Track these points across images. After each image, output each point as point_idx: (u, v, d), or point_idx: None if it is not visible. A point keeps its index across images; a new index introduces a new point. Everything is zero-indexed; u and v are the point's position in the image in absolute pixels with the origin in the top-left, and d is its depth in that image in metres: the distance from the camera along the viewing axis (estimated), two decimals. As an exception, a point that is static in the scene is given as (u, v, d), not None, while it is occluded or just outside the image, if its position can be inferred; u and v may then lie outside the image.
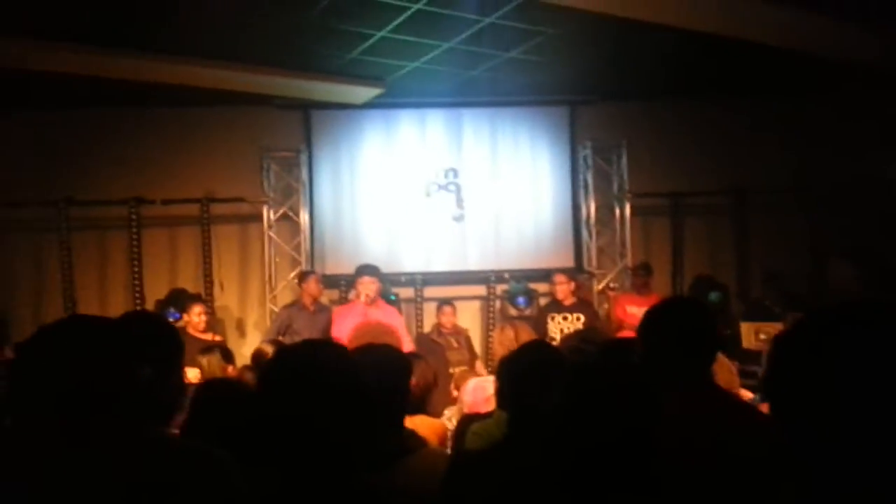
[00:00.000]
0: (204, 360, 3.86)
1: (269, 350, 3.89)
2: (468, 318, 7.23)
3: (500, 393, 2.95)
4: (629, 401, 1.59)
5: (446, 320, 6.31)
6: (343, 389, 1.52)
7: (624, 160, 7.49)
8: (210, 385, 2.65)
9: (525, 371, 2.37)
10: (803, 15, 4.97)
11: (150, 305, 6.80)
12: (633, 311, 6.50)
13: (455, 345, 6.17)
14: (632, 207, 7.47)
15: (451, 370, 5.52)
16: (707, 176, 7.58)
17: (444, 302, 6.47)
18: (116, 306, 7.15)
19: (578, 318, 6.20)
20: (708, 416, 1.91)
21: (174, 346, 1.93)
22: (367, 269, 5.91)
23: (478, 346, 6.89)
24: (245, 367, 4.02)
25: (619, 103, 7.60)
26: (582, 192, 7.70)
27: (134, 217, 6.89)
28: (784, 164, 7.57)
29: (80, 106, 6.92)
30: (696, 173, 7.59)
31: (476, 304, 7.45)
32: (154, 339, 1.81)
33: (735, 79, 7.04)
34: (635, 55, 6.19)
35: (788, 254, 7.40)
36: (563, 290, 6.36)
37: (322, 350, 1.65)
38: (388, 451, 2.00)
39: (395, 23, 5.35)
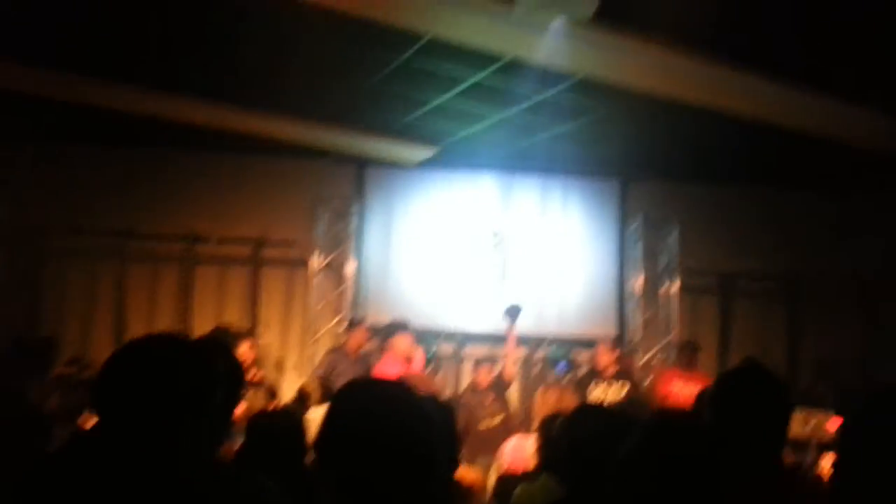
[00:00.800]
0: (250, 394, 3.88)
1: (313, 387, 3.91)
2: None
3: (548, 454, 2.89)
4: (705, 473, 1.48)
5: (483, 379, 6.19)
6: (412, 450, 1.36)
7: (674, 236, 7.46)
8: (267, 415, 2.68)
9: (589, 437, 2.34)
10: (858, 110, 4.99)
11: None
12: (677, 388, 6.36)
13: (488, 401, 6.07)
14: (680, 284, 7.39)
15: (480, 427, 5.50)
16: (759, 260, 7.51)
17: (483, 361, 6.37)
18: (162, 338, 7.27)
19: (623, 385, 6.08)
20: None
21: (240, 377, 1.96)
22: (404, 327, 5.88)
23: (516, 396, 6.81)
24: (290, 404, 4.04)
25: (670, 182, 7.63)
26: (629, 264, 7.66)
27: (189, 253, 7.06)
28: (838, 254, 7.46)
29: (146, 145, 7.22)
30: (746, 256, 7.52)
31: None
32: (227, 367, 1.83)
33: (792, 168, 7.02)
34: (690, 136, 6.24)
35: (841, 344, 7.22)
36: (606, 359, 6.24)
37: (391, 401, 1.44)
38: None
39: (453, 92, 5.50)
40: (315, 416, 2.88)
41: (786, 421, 1.96)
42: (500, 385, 6.02)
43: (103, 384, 1.40)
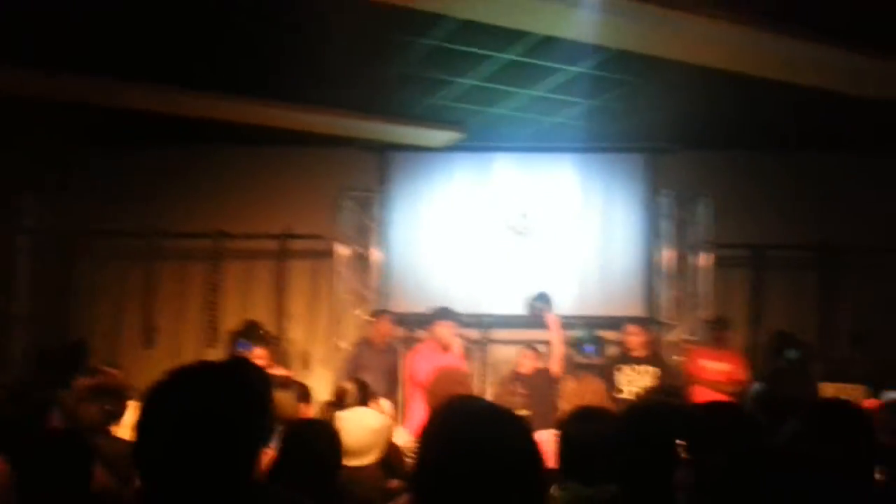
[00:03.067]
0: (277, 397, 3.87)
1: (350, 387, 3.91)
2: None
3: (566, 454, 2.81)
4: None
5: (522, 365, 6.05)
6: (524, 476, 1.30)
7: (703, 209, 7.32)
8: (299, 426, 2.69)
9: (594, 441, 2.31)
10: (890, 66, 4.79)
11: (223, 336, 6.99)
12: (708, 366, 6.28)
13: (520, 391, 5.96)
14: (710, 258, 7.25)
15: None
16: (791, 230, 7.32)
17: (527, 345, 6.26)
18: (191, 335, 7.40)
19: (647, 371, 6.01)
20: None
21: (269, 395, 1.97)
22: (451, 315, 5.86)
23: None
24: (327, 404, 4.05)
25: (700, 152, 7.47)
26: (658, 240, 7.54)
27: (216, 250, 7.14)
28: (875, 222, 7.24)
29: (173, 143, 7.28)
30: (779, 227, 7.35)
31: (543, 349, 7.33)
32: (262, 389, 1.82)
33: (824, 133, 6.83)
34: (720, 105, 6.09)
35: (878, 315, 7.03)
36: (635, 341, 6.18)
37: (499, 428, 1.35)
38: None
39: (485, 72, 5.39)
40: (354, 416, 2.89)
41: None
42: (542, 378, 5.86)
43: (146, 425, 1.38)
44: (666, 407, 2.98)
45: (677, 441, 2.26)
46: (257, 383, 1.59)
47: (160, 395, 1.40)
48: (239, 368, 1.92)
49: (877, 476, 2.98)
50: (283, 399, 3.61)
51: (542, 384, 5.76)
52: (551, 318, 6.08)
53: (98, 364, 5.21)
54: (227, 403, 1.38)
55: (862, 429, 1.92)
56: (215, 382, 1.42)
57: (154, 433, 1.36)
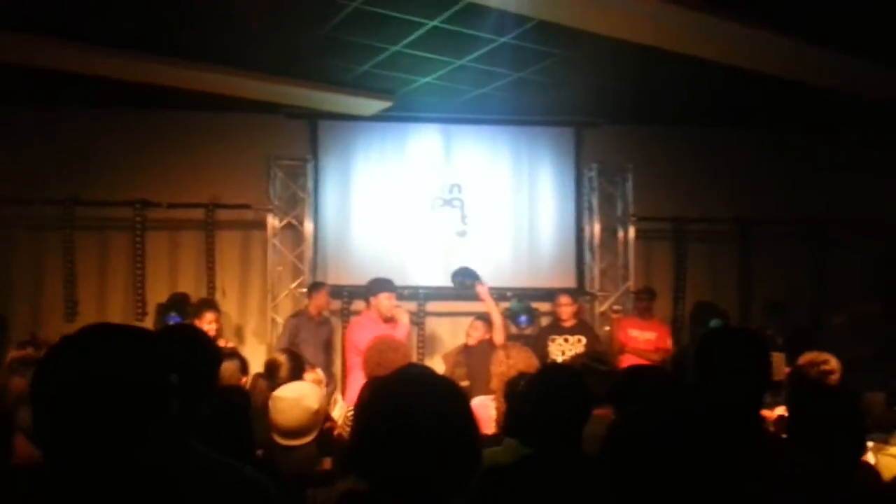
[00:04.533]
0: (223, 367, 3.80)
1: (283, 359, 3.84)
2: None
3: (511, 417, 2.94)
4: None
5: (471, 336, 6.05)
6: (456, 447, 1.33)
7: (629, 183, 7.51)
8: (226, 392, 2.63)
9: (555, 397, 2.39)
10: (810, 48, 5.02)
11: (150, 308, 6.77)
12: (635, 335, 6.51)
13: (463, 361, 5.97)
14: (635, 231, 7.47)
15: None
16: (712, 203, 7.62)
17: (477, 316, 6.27)
18: (116, 307, 7.13)
19: (580, 341, 6.17)
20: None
21: (212, 356, 1.91)
22: (388, 286, 5.81)
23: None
24: (258, 376, 3.98)
25: (625, 127, 7.64)
26: (586, 213, 7.71)
27: (139, 219, 6.87)
28: (788, 196, 7.63)
29: (89, 105, 6.93)
30: (700, 200, 7.63)
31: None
32: (191, 349, 1.78)
33: (743, 110, 7.09)
34: (645, 79, 6.24)
35: (790, 285, 7.44)
36: (567, 311, 6.33)
37: (433, 396, 1.38)
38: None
39: (410, 38, 5.37)
40: (285, 393, 2.83)
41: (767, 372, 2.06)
42: (484, 348, 5.78)
43: (42, 388, 1.27)
44: (580, 368, 3.12)
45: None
46: (178, 345, 1.55)
47: (51, 361, 1.30)
48: (183, 333, 1.86)
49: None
50: (228, 368, 3.54)
51: (484, 354, 5.82)
52: (482, 290, 6.14)
53: (26, 336, 4.98)
54: (121, 364, 1.27)
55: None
56: (110, 344, 1.31)
57: (44, 399, 1.27)
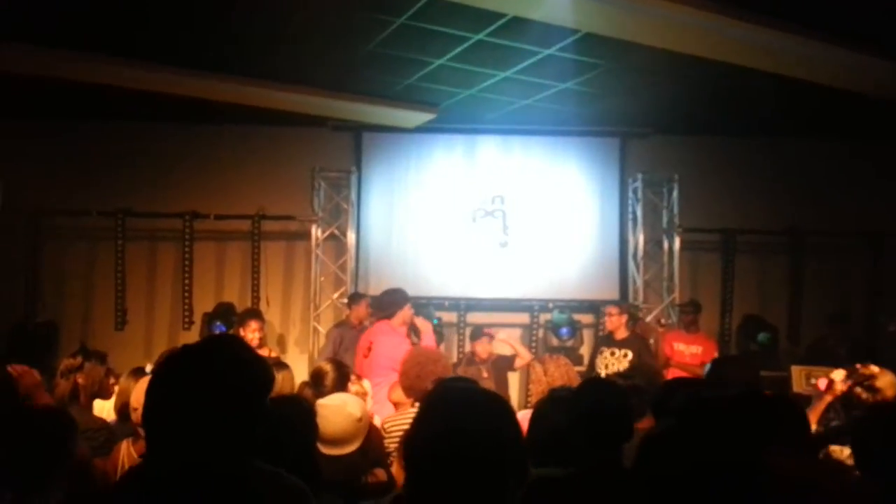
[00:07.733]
0: (279, 377, 3.81)
1: (328, 368, 3.86)
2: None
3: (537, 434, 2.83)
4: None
5: (482, 349, 6.13)
6: (508, 465, 1.33)
7: (675, 194, 7.41)
8: (279, 402, 2.64)
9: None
10: (865, 59, 4.89)
11: (196, 317, 6.91)
12: (681, 349, 6.38)
13: (485, 375, 5.98)
14: (681, 242, 7.36)
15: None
16: (760, 214, 7.46)
17: (481, 330, 6.27)
18: (164, 317, 7.29)
19: (626, 355, 6.00)
20: None
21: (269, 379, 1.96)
22: (408, 296, 5.77)
23: (518, 377, 6.80)
24: (304, 384, 4.00)
25: (670, 137, 7.54)
26: (630, 224, 7.62)
27: (188, 230, 7.02)
28: (842, 208, 7.42)
29: (142, 120, 7.13)
30: (748, 211, 7.48)
31: (518, 333, 7.39)
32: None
33: (791, 119, 6.94)
34: (691, 90, 6.15)
35: (843, 298, 7.23)
36: (613, 322, 6.20)
37: (485, 417, 1.38)
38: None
39: (455, 52, 5.39)
40: (329, 401, 2.85)
41: None
42: (502, 363, 5.91)
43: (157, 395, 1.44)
44: (617, 383, 3.06)
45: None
46: (253, 361, 1.62)
47: (165, 370, 1.46)
48: (233, 346, 1.90)
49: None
50: (283, 378, 3.57)
51: (501, 369, 5.86)
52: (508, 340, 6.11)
53: (77, 344, 5.11)
54: (226, 379, 1.42)
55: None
56: (216, 359, 1.47)
57: (159, 405, 1.42)
